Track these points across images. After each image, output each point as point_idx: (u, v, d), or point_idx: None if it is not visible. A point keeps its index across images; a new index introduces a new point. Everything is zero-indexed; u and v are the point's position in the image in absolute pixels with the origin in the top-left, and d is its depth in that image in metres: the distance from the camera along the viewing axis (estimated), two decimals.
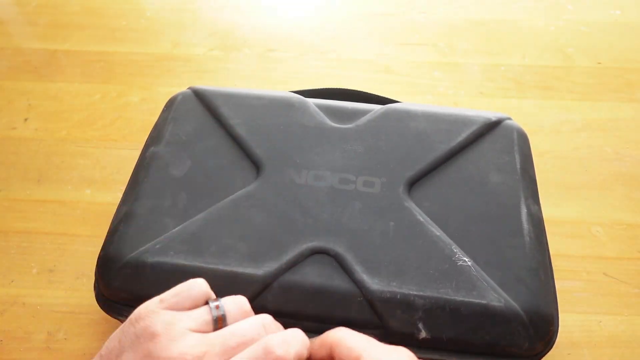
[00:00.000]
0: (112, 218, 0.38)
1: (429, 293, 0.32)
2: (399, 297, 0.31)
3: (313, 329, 0.32)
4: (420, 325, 0.31)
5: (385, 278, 0.32)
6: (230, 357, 0.25)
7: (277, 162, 0.38)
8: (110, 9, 0.70)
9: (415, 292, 0.32)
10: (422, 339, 0.31)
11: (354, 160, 0.38)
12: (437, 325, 0.31)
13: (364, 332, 0.32)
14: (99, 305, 0.35)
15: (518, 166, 0.38)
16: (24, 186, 0.50)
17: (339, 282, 0.32)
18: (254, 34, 0.67)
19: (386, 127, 0.40)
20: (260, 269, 0.32)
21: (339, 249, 0.33)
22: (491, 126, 0.40)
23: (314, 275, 0.32)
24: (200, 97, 0.42)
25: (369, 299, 0.32)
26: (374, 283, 0.32)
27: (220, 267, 0.32)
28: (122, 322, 0.36)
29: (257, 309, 0.32)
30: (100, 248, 0.37)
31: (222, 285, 0.32)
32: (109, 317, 0.35)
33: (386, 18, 0.69)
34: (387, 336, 0.32)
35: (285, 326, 0.32)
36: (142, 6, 0.71)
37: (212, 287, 0.31)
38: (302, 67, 0.63)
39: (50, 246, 0.46)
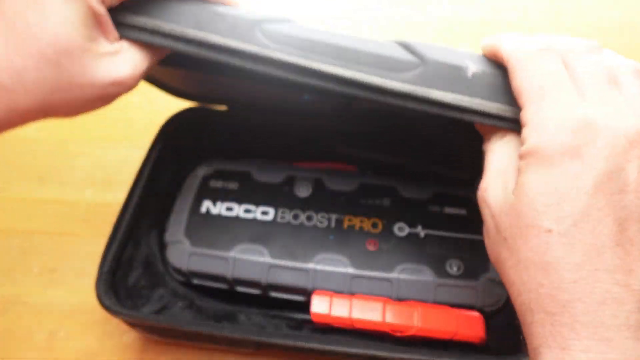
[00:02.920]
0: (112, 217, 0.39)
1: None
2: None
3: None
4: None
5: None
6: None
7: None
8: None
9: None
10: None
11: None
12: None
13: None
14: (100, 305, 0.35)
15: None
16: (25, 186, 0.50)
17: None
18: None
19: None
20: None
21: None
22: None
23: None
24: None
25: None
26: None
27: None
28: (122, 321, 0.36)
29: None
30: (101, 248, 0.37)
31: None
32: (110, 316, 0.35)
33: (385, 18, 0.69)
34: None
35: None
36: None
37: None
38: None
39: (51, 246, 0.46)
